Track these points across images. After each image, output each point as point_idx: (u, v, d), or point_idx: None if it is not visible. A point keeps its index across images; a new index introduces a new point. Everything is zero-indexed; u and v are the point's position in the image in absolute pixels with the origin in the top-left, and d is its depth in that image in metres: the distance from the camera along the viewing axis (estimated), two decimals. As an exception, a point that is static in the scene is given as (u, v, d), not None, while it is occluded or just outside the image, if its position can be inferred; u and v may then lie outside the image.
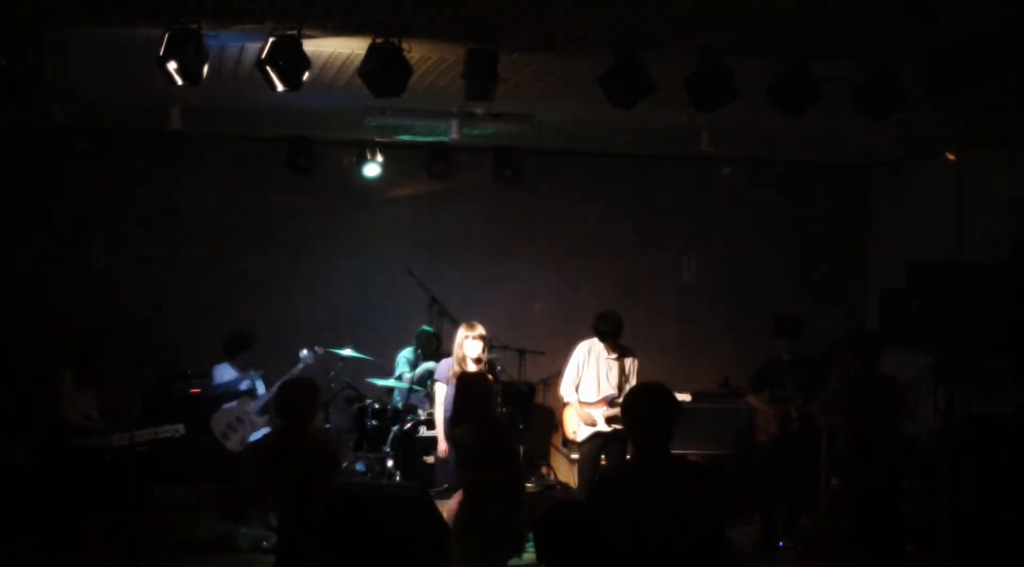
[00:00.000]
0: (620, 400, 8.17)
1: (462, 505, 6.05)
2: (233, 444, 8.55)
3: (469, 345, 7.50)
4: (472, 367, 7.53)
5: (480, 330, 7.55)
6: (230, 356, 8.78)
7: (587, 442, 8.21)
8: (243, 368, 8.77)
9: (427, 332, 9.43)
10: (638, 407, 4.29)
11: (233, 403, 8.64)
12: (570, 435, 8.44)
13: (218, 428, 8.57)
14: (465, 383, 6.34)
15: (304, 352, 8.74)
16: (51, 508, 8.02)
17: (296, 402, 6.19)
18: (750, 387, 8.51)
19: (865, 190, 11.33)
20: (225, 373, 8.79)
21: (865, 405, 7.19)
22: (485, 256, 10.73)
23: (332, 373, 9.12)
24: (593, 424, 8.12)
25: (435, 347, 9.45)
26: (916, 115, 6.97)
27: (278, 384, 7.43)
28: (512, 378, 9.37)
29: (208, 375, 8.89)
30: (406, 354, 9.56)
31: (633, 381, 8.23)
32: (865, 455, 7.19)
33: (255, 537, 7.87)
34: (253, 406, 8.68)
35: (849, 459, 7.41)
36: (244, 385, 8.74)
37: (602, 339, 8.19)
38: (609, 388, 8.18)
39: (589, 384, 8.22)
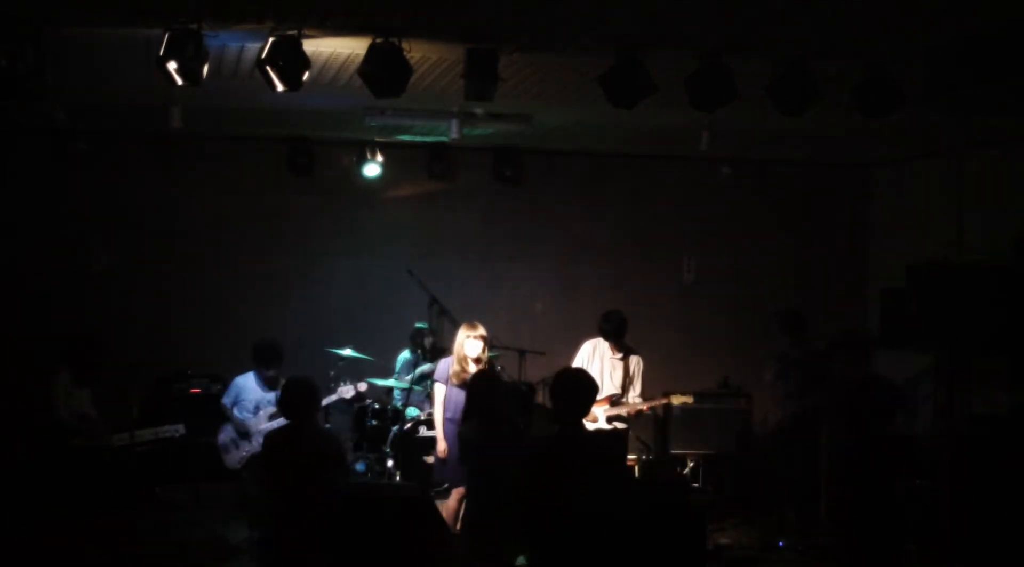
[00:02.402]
0: (624, 399, 8.20)
1: (468, 503, 6.06)
2: (231, 460, 8.26)
3: (469, 345, 7.51)
4: (472, 367, 7.54)
5: (481, 330, 7.56)
6: (260, 367, 8.26)
7: (587, 442, 8.19)
8: (270, 382, 8.23)
9: (419, 328, 9.41)
10: (558, 390, 4.86)
11: (250, 415, 8.23)
12: (571, 434, 8.42)
13: (223, 439, 8.32)
14: (474, 381, 6.57)
15: (346, 387, 8.54)
16: (51, 508, 8.01)
17: (296, 401, 6.21)
18: None
19: (865, 190, 11.32)
20: (249, 389, 8.28)
21: (858, 404, 7.17)
22: (485, 256, 10.73)
23: (332, 373, 9.12)
24: (594, 422, 8.11)
25: (430, 342, 9.43)
26: (916, 115, 6.97)
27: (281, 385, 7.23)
28: (512, 378, 9.36)
29: (216, 379, 8.77)
30: (405, 356, 9.55)
31: (638, 381, 8.24)
32: (860, 454, 7.17)
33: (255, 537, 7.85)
34: (269, 425, 8.07)
35: (845, 458, 7.39)
36: (263, 425, 8.12)
37: (606, 338, 8.18)
38: (612, 387, 8.16)
39: (592, 383, 8.20)
